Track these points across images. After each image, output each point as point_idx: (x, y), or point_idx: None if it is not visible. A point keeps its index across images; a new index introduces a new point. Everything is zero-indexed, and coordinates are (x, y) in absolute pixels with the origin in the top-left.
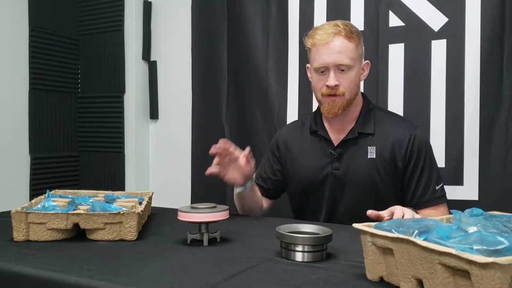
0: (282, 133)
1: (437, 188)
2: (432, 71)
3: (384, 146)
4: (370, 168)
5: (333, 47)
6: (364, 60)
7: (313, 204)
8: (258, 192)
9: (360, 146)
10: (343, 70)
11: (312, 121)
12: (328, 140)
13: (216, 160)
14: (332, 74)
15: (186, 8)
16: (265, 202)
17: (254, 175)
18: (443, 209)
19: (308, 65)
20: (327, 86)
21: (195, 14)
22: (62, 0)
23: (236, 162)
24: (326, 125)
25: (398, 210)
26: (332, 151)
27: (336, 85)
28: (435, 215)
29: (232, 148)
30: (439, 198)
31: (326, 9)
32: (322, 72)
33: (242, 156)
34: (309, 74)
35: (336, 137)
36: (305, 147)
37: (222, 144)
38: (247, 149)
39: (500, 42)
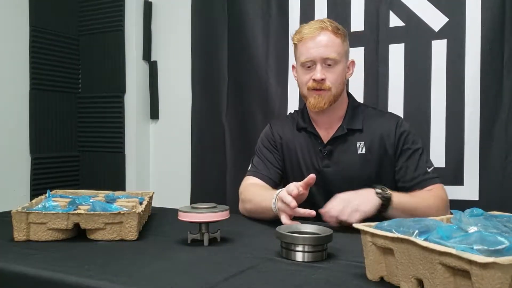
0: (274, 127)
1: (428, 170)
2: (433, 71)
3: (372, 140)
4: (360, 163)
5: (320, 41)
6: (351, 59)
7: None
8: None
9: (350, 143)
10: (329, 65)
11: (299, 118)
12: (317, 137)
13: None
14: (318, 67)
15: (186, 8)
16: None
17: (254, 172)
18: (439, 190)
19: (293, 63)
20: (314, 80)
21: (195, 14)
22: (63, 0)
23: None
24: (313, 123)
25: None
26: (322, 149)
27: (323, 79)
28: (430, 195)
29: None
30: (432, 179)
31: (326, 9)
32: (308, 67)
33: (305, 185)
34: (294, 73)
35: (324, 135)
36: (296, 143)
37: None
38: (313, 177)
39: (501, 42)
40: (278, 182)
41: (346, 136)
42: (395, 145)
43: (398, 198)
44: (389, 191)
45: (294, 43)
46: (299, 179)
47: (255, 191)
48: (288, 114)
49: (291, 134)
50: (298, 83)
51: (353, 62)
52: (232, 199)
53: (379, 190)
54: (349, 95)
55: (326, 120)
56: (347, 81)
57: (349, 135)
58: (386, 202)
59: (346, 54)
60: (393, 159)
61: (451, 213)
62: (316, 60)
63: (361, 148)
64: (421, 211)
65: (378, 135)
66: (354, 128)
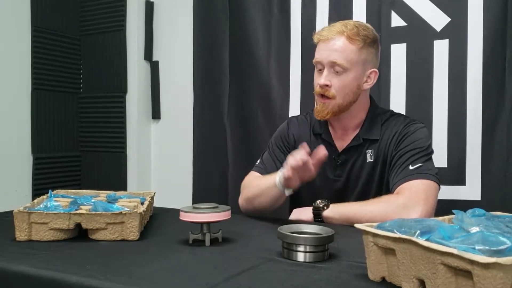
0: (291, 126)
1: (411, 168)
2: (435, 71)
3: (381, 147)
4: (367, 173)
5: (332, 45)
6: (373, 68)
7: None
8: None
9: (362, 152)
10: (337, 72)
11: (316, 122)
12: (332, 146)
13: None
14: (325, 72)
15: (188, 8)
16: None
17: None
18: (415, 184)
19: None
20: (319, 84)
21: (197, 14)
22: (64, 0)
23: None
24: (330, 128)
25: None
26: (336, 158)
27: (327, 85)
28: (378, 200)
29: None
30: (409, 176)
31: (328, 9)
32: (319, 69)
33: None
34: None
35: (339, 142)
36: (312, 147)
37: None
38: (322, 150)
39: (503, 42)
40: None
41: (360, 145)
42: (394, 147)
43: (332, 209)
44: (325, 205)
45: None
46: (310, 185)
47: (259, 179)
48: (307, 112)
49: (307, 138)
50: None
51: (375, 72)
52: (234, 199)
53: (316, 204)
54: (372, 101)
55: (342, 126)
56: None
57: (363, 144)
58: (317, 213)
59: (364, 62)
60: (391, 162)
61: (453, 213)
62: (324, 63)
63: (370, 156)
64: (359, 218)
65: (385, 140)
66: (371, 138)
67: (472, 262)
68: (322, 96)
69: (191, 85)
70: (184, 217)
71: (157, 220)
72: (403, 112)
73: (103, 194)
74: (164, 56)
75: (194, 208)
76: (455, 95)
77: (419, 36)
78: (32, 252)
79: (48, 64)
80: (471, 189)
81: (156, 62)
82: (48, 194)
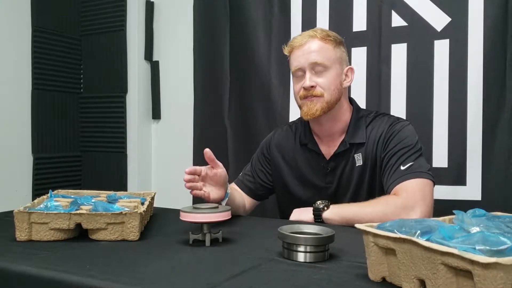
0: (275, 137)
1: (402, 168)
2: (435, 71)
3: (368, 149)
4: (358, 177)
5: (308, 48)
6: (348, 66)
7: None
8: (237, 197)
9: (350, 156)
10: (319, 72)
11: (302, 132)
12: (319, 154)
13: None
14: (308, 75)
15: (188, 8)
16: (248, 203)
17: (241, 175)
18: (410, 184)
19: None
20: (304, 88)
21: (197, 14)
22: (65, 0)
23: (206, 176)
24: (315, 137)
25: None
26: (325, 165)
27: (312, 86)
28: (377, 201)
29: (198, 169)
30: (402, 176)
31: (328, 9)
32: (299, 76)
33: (208, 162)
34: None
35: (326, 150)
36: (298, 157)
37: (191, 174)
38: (207, 151)
39: (503, 41)
40: (261, 194)
41: (347, 150)
42: (382, 148)
43: (332, 211)
44: (325, 206)
45: (287, 55)
46: (296, 196)
47: None
48: (293, 122)
49: (293, 149)
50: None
51: (351, 69)
52: None
53: (316, 205)
54: (353, 104)
55: (327, 133)
56: (349, 88)
57: (350, 149)
58: (317, 214)
59: (340, 60)
60: (381, 163)
61: (453, 213)
62: (305, 67)
63: (358, 160)
64: (359, 219)
65: (372, 142)
66: (357, 142)
67: (472, 262)
68: (307, 97)
69: (191, 85)
70: (185, 217)
71: (157, 220)
72: (404, 112)
73: (103, 194)
74: (164, 56)
75: (194, 208)
76: (455, 95)
77: (419, 36)
78: (33, 252)
79: (48, 64)
80: (472, 189)
81: (157, 62)
82: (49, 194)
